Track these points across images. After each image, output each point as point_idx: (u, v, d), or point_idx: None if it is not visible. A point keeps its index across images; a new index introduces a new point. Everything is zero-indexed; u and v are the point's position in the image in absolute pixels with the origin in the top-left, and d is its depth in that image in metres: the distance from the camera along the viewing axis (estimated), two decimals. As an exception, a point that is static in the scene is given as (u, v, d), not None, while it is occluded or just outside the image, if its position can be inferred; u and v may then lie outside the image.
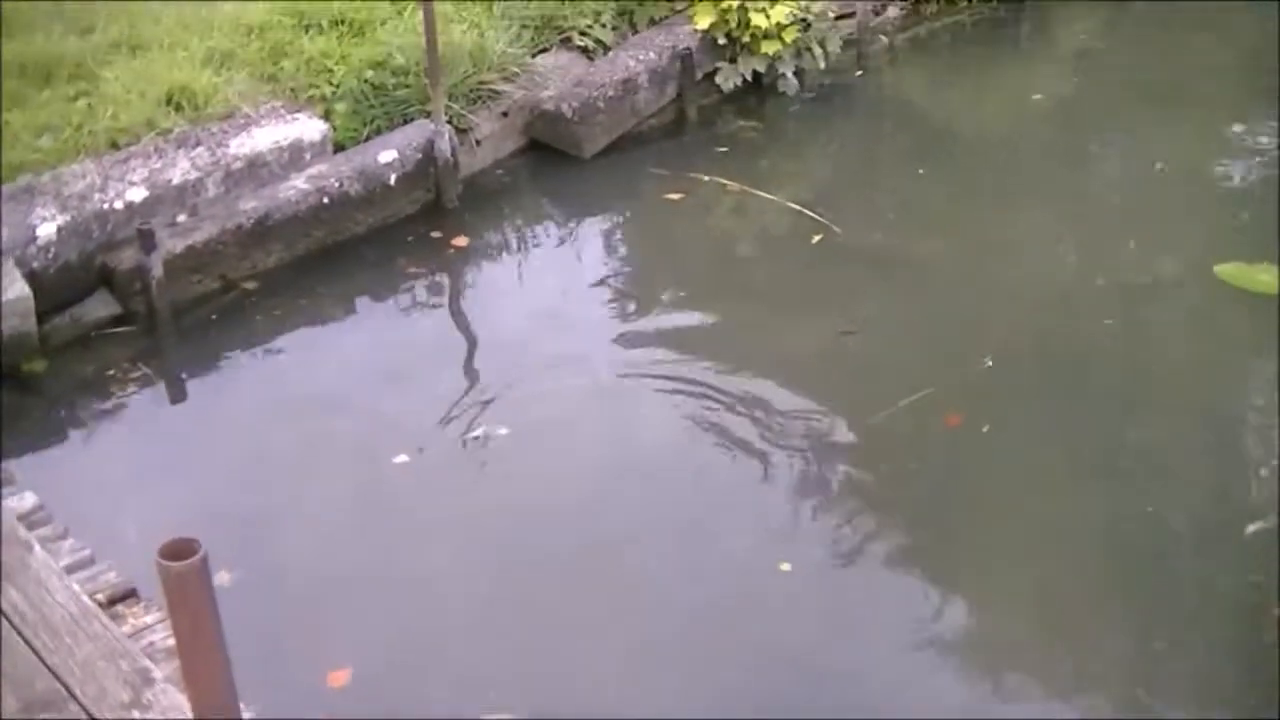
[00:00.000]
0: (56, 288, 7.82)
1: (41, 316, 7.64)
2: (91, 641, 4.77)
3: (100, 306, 7.99)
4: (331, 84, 9.12)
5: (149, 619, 5.29)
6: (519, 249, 9.09)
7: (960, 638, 6.02)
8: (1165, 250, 8.73)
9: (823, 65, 10.74)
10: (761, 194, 9.34)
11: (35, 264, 7.73)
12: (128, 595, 5.43)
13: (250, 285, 8.35)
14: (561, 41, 10.24)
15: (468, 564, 6.40)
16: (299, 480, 6.88)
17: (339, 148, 8.97)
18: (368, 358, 7.81)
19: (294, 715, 5.41)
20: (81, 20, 9.34)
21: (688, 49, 10.25)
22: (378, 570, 6.33)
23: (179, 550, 3.59)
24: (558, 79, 9.90)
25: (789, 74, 10.56)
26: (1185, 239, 8.82)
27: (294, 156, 8.72)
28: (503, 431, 7.17)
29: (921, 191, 9.49)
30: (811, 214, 8.98)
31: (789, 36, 10.40)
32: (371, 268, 8.64)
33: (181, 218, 8.28)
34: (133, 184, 8.12)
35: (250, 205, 8.42)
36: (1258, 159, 9.93)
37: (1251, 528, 6.43)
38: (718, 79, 10.45)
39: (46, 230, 7.79)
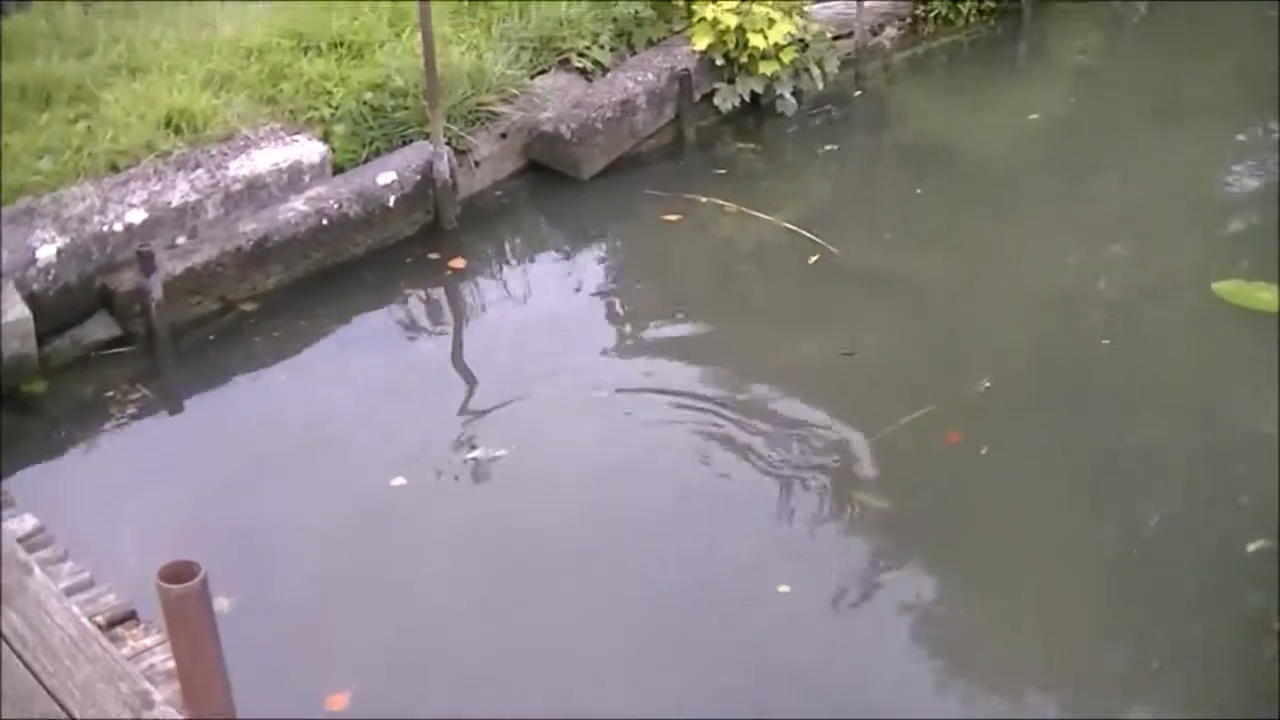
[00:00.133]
0: (56, 309, 7.84)
1: (41, 338, 7.66)
2: (91, 664, 4.75)
3: (100, 328, 8.01)
4: (330, 106, 9.15)
5: (149, 641, 5.28)
6: (517, 270, 9.11)
7: (960, 651, 6.02)
8: (1163, 268, 8.74)
9: (821, 86, 10.78)
10: (759, 215, 9.35)
11: (35, 286, 7.75)
12: (127, 617, 5.43)
13: (249, 307, 8.36)
14: (560, 63, 10.27)
15: (467, 588, 6.39)
16: (299, 502, 6.87)
17: (338, 169, 8.99)
18: (366, 380, 7.81)
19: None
20: (81, 43, 9.38)
21: (686, 70, 10.28)
22: (377, 594, 6.33)
23: (179, 573, 3.60)
24: (556, 100, 9.93)
25: (787, 94, 10.59)
26: (1183, 256, 8.83)
27: (293, 178, 8.74)
28: (501, 453, 7.17)
29: (919, 211, 9.51)
30: (809, 234, 9.00)
31: (787, 57, 10.43)
32: (370, 289, 8.65)
33: (181, 240, 8.30)
34: (132, 206, 8.14)
35: (249, 227, 8.44)
36: (1257, 176, 9.97)
37: (1252, 546, 6.43)
38: (716, 100, 10.48)
39: (46, 252, 7.80)
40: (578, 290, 8.79)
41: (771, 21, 10.29)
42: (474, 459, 7.15)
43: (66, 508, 6.52)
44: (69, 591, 5.33)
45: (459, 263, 8.90)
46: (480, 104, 9.56)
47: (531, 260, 9.22)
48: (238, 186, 8.52)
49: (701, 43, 10.32)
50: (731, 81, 10.49)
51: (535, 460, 7.15)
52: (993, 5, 12.13)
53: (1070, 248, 9.06)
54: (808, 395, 7.57)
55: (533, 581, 6.39)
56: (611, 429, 7.41)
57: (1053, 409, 7.45)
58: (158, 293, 7.89)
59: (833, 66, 10.83)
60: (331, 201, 8.70)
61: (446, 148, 9.13)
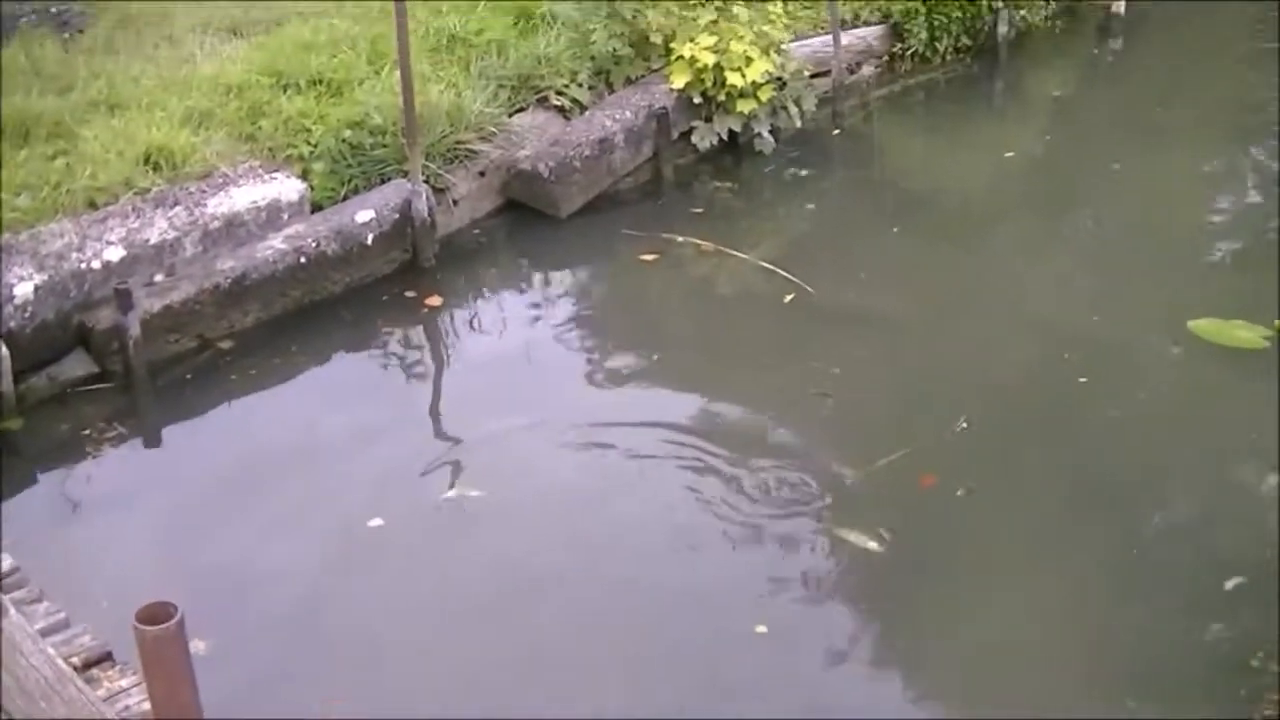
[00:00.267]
0: (33, 347, 7.83)
1: (18, 375, 7.66)
2: (66, 706, 4.73)
3: (77, 365, 8.00)
4: (309, 143, 9.17)
5: (124, 683, 5.28)
6: (494, 308, 9.13)
7: (941, 693, 6.04)
8: (1139, 305, 8.76)
9: (798, 123, 10.82)
10: (736, 254, 9.39)
11: (12, 323, 7.74)
12: (103, 659, 5.42)
13: (226, 345, 8.36)
14: (538, 101, 10.30)
15: (443, 629, 6.39)
16: (276, 543, 6.85)
17: (316, 207, 9.01)
18: (342, 418, 7.80)
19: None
20: (61, 79, 9.39)
21: (664, 108, 10.32)
22: (354, 637, 6.32)
23: (155, 614, 3.59)
24: (534, 138, 9.96)
25: (765, 133, 10.63)
26: (1159, 293, 8.87)
27: (271, 216, 8.75)
28: (476, 493, 7.17)
29: (895, 249, 9.56)
30: (785, 273, 9.03)
31: (764, 95, 10.48)
32: (347, 327, 8.66)
33: (159, 277, 8.30)
34: (110, 243, 8.14)
35: (228, 265, 8.44)
36: (1230, 213, 10.05)
37: (1230, 583, 6.46)
38: (694, 138, 10.52)
39: (24, 289, 7.80)
40: (554, 329, 8.80)
41: (749, 60, 10.33)
42: (451, 498, 7.15)
43: (41, 546, 6.51)
44: (44, 632, 5.32)
45: (436, 300, 8.92)
46: (459, 142, 9.59)
47: (509, 298, 9.24)
48: (216, 224, 8.53)
49: (679, 81, 10.36)
50: (709, 120, 10.53)
51: (511, 498, 7.15)
52: (969, 44, 12.20)
53: (1047, 286, 9.10)
54: (784, 434, 7.60)
55: (510, 622, 6.39)
56: (587, 470, 7.42)
57: (1030, 447, 7.47)
58: (135, 330, 7.89)
59: (810, 104, 10.88)
60: (310, 239, 8.71)
61: (425, 186, 9.15)
